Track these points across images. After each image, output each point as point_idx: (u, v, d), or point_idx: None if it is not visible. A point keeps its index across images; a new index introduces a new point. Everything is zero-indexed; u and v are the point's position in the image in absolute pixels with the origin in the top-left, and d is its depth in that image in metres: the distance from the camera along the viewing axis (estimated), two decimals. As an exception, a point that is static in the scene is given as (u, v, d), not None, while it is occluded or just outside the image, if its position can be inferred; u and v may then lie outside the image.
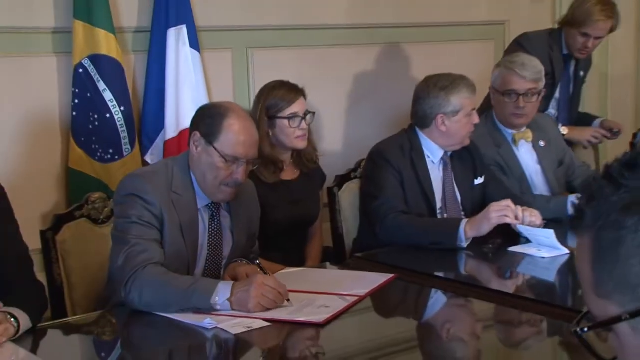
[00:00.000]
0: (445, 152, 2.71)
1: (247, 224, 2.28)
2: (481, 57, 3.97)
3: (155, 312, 1.97)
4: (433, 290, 2.18)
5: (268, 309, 1.91)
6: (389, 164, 2.65)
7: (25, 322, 1.87)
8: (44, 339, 1.92)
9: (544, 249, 2.35)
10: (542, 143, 2.97)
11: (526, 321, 1.95)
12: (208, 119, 2.11)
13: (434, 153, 2.71)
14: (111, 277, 2.15)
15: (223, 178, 2.09)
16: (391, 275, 2.20)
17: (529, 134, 2.95)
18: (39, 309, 1.98)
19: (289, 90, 2.66)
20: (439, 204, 2.67)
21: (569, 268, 2.28)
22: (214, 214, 2.20)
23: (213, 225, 2.19)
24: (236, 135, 2.08)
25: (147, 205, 2.06)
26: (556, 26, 3.52)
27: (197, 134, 2.12)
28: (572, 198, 2.74)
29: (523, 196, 2.79)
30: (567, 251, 2.33)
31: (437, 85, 2.65)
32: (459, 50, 3.88)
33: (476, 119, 2.67)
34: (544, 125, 3.05)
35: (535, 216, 2.45)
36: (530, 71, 2.86)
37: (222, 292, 1.93)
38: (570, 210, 2.65)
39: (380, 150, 2.73)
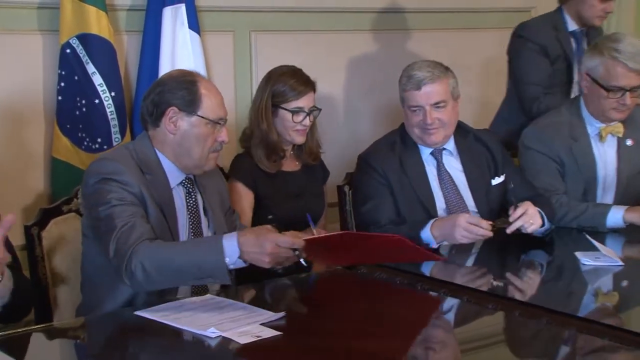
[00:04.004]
0: (436, 148, 2.66)
1: (219, 198, 2.34)
2: (504, 46, 3.96)
3: (166, 287, 2.06)
4: (460, 301, 2.15)
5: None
6: (372, 168, 2.65)
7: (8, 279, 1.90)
8: (27, 343, 1.90)
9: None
10: (629, 141, 2.82)
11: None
12: (181, 91, 2.18)
13: (422, 150, 2.68)
14: (88, 280, 2.18)
15: (211, 144, 2.19)
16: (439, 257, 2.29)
17: (620, 128, 2.80)
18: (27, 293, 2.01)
19: (300, 82, 2.65)
20: (441, 205, 2.64)
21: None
22: (190, 190, 2.24)
23: (190, 202, 2.24)
24: (215, 97, 2.20)
25: (124, 186, 2.08)
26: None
27: (174, 109, 2.16)
28: (615, 209, 2.66)
29: (560, 197, 2.73)
30: (620, 262, 2.30)
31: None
32: (481, 39, 3.88)
33: (426, 119, 2.56)
34: (638, 120, 2.88)
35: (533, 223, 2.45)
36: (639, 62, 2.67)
37: (231, 253, 1.96)
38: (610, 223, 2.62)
39: (364, 154, 2.74)
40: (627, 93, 2.70)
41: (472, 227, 2.40)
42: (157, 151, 2.19)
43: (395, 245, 2.14)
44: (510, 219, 2.46)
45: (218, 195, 2.34)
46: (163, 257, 1.99)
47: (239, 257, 1.96)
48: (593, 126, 2.82)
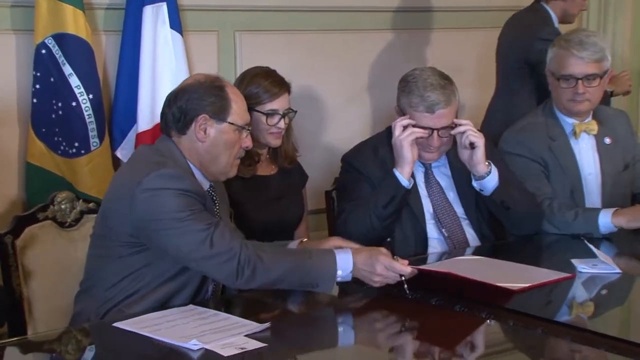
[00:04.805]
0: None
1: (226, 200, 2.40)
2: (495, 46, 3.98)
3: (266, 288, 2.13)
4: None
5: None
6: (354, 168, 2.65)
7: None
8: (1, 358, 1.86)
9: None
10: (607, 140, 2.87)
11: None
12: (211, 97, 2.19)
13: None
14: (99, 286, 2.16)
15: (237, 151, 2.24)
16: (568, 275, 2.27)
17: (594, 126, 2.85)
18: None
19: (274, 83, 2.65)
20: (429, 210, 2.62)
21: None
22: (214, 199, 2.29)
23: (214, 210, 2.27)
24: (242, 102, 2.25)
25: (190, 194, 2.11)
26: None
27: (205, 116, 2.18)
28: (603, 214, 2.66)
29: (551, 202, 2.73)
30: (618, 270, 2.30)
31: (405, 76, 2.63)
32: (474, 39, 3.89)
33: (432, 142, 2.54)
34: (614, 120, 2.94)
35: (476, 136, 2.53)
36: (590, 50, 2.75)
37: (344, 266, 2.12)
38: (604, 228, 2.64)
39: (346, 155, 2.73)
40: (580, 81, 2.76)
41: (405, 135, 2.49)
42: (186, 159, 2.20)
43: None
44: (455, 121, 2.54)
45: (226, 198, 2.40)
46: (276, 260, 2.10)
47: (351, 272, 2.12)
48: (567, 123, 2.87)
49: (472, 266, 2.31)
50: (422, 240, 2.60)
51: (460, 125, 2.55)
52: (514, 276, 2.22)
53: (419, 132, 2.52)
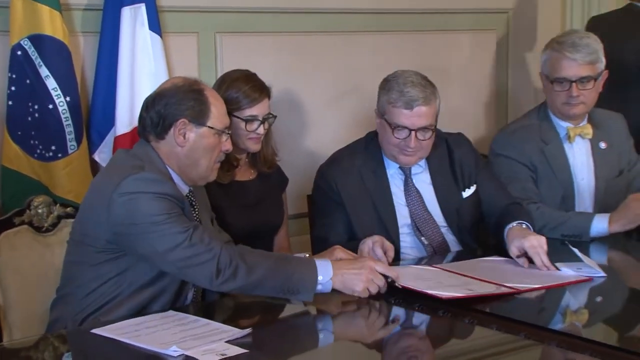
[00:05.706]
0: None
1: (207, 205, 2.44)
2: (481, 49, 4.02)
3: (244, 292, 2.15)
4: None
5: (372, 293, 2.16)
6: (326, 183, 2.66)
7: None
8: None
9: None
10: (602, 145, 2.91)
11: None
12: (190, 102, 2.22)
13: (388, 163, 2.67)
14: (78, 293, 2.16)
15: (217, 155, 2.27)
16: (586, 277, 2.32)
17: (589, 130, 2.88)
18: None
19: (254, 88, 2.66)
20: (406, 222, 2.63)
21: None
22: (193, 204, 2.31)
23: (194, 214, 2.29)
24: (221, 105, 2.28)
25: (168, 197, 2.13)
26: None
27: (184, 121, 2.20)
28: (598, 219, 2.70)
29: (539, 205, 2.76)
30: (602, 273, 2.35)
31: (386, 77, 2.64)
32: (456, 41, 3.92)
33: (409, 143, 2.53)
34: (610, 125, 2.97)
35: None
36: (583, 52, 2.78)
37: (324, 272, 2.14)
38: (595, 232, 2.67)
39: (322, 166, 2.74)
40: (573, 84, 2.79)
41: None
42: (165, 164, 2.23)
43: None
44: (542, 268, 2.39)
45: (205, 204, 2.42)
46: (257, 262, 2.12)
47: (331, 279, 2.13)
48: (561, 127, 2.90)
49: (488, 268, 2.38)
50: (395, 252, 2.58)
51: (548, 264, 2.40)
52: (529, 278, 2.29)
53: None
